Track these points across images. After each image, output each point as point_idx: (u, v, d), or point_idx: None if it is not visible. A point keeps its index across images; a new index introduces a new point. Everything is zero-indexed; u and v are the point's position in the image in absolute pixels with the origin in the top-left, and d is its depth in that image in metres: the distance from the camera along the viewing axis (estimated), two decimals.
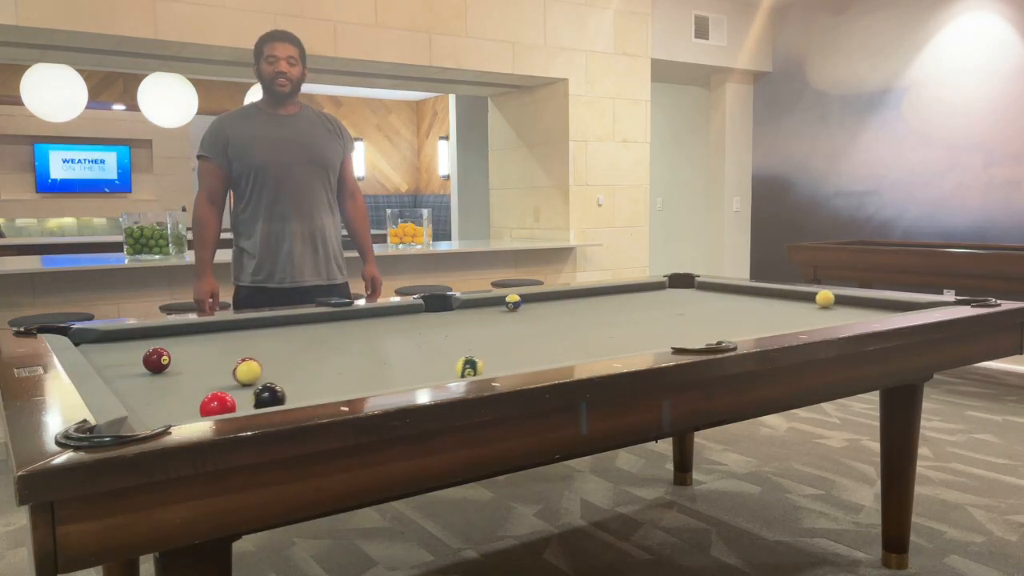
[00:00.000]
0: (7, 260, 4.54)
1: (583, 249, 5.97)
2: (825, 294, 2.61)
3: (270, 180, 2.94)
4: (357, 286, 3.30)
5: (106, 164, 10.82)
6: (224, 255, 3.24)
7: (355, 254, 3.33)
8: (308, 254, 3.01)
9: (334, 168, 3.08)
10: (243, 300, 3.01)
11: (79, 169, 10.72)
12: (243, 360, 1.64)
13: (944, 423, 4.01)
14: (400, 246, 5.27)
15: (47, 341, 1.92)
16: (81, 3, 4.02)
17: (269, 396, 1.35)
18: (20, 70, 5.41)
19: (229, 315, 2.45)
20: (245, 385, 1.60)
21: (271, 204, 2.95)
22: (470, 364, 1.57)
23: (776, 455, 3.55)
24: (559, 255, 5.89)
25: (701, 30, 6.68)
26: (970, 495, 3.04)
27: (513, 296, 2.67)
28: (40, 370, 1.58)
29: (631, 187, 6.15)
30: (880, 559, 2.50)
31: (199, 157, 3.00)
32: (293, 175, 2.97)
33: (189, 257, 4.49)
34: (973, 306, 2.34)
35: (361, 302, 2.69)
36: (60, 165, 10.61)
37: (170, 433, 1.11)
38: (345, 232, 3.26)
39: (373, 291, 3.25)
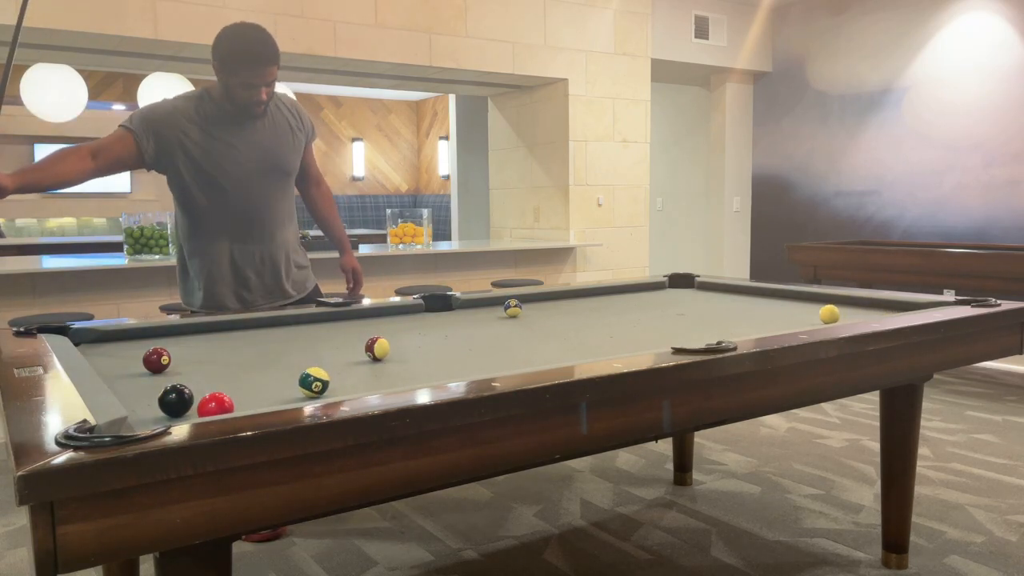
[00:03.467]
0: (7, 260, 4.54)
1: (583, 249, 5.97)
2: (831, 311, 2.25)
3: (231, 196, 2.54)
4: (334, 285, 3.15)
5: None
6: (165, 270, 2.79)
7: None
8: (267, 277, 2.67)
9: (296, 169, 2.72)
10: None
11: None
12: (376, 339, 1.82)
13: (944, 423, 4.01)
14: (400, 246, 5.27)
15: (47, 341, 1.92)
16: (81, 3, 4.02)
17: (176, 397, 1.34)
18: (20, 70, 5.41)
19: (229, 315, 2.45)
20: (378, 360, 1.82)
21: (228, 225, 2.57)
22: (308, 382, 1.44)
23: (776, 455, 3.55)
24: (559, 255, 5.89)
25: (701, 30, 6.68)
26: (970, 495, 3.04)
27: (515, 310, 2.53)
28: (40, 370, 1.58)
29: (631, 187, 6.15)
30: (880, 559, 2.50)
31: (122, 126, 2.51)
32: (255, 190, 2.57)
33: None
34: (973, 306, 2.34)
35: (365, 302, 2.69)
36: None
37: (170, 433, 1.11)
38: (317, 229, 2.85)
39: (355, 284, 2.97)
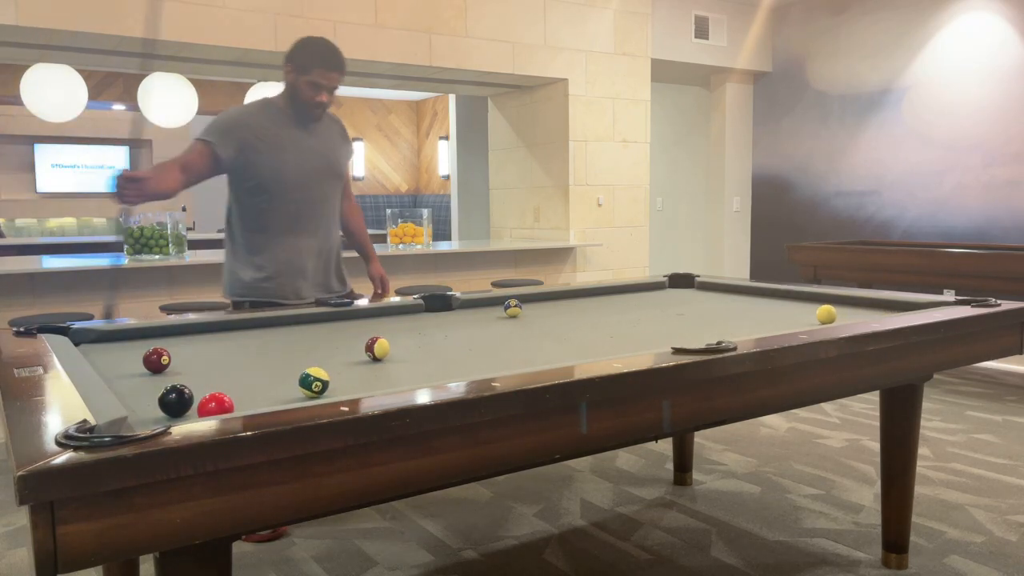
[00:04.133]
0: (7, 260, 4.54)
1: (583, 249, 5.97)
2: (828, 311, 2.27)
3: (294, 194, 2.73)
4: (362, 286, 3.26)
5: (107, 166, 10.82)
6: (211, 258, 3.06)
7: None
8: (320, 271, 2.86)
9: (344, 175, 2.94)
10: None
11: (80, 170, 10.72)
12: (376, 339, 1.82)
13: (944, 423, 4.01)
14: (400, 246, 5.27)
15: (47, 341, 1.92)
16: (81, 3, 4.02)
17: (176, 397, 1.35)
18: (20, 70, 5.41)
19: (229, 315, 2.45)
20: (377, 360, 1.82)
21: (293, 219, 2.75)
22: (308, 382, 1.44)
23: (776, 455, 3.55)
24: (559, 255, 5.89)
25: (701, 30, 6.68)
26: (970, 495, 3.04)
27: (514, 310, 2.54)
28: (40, 370, 1.58)
29: (631, 187, 6.16)
30: (880, 559, 2.50)
31: (199, 140, 2.66)
32: (316, 189, 2.79)
33: (189, 257, 4.50)
34: (973, 306, 2.34)
35: (363, 302, 2.69)
36: (60, 165, 10.61)
37: (170, 433, 1.11)
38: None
39: (383, 290, 3.15)
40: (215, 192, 12.48)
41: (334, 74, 2.73)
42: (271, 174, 2.69)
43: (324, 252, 2.86)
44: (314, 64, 2.69)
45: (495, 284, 4.85)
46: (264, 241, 2.76)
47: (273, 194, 2.71)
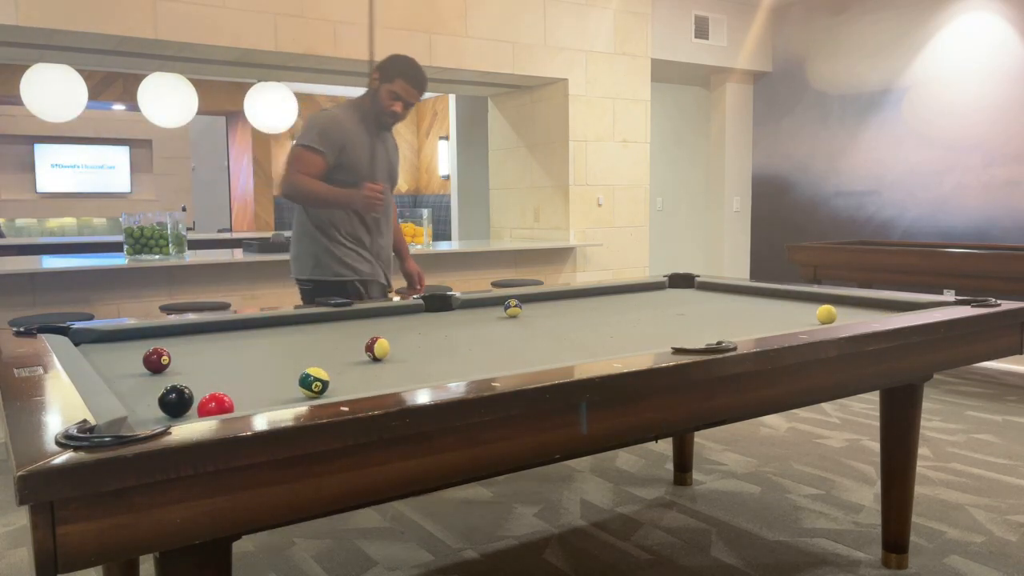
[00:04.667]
0: (7, 260, 4.54)
1: (583, 249, 5.97)
2: (828, 311, 2.26)
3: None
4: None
5: (108, 167, 10.82)
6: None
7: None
8: (383, 265, 3.16)
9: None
10: (317, 293, 3.02)
11: (80, 170, 10.72)
12: (376, 339, 1.83)
13: (944, 423, 4.01)
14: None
15: (47, 341, 1.92)
16: (81, 3, 4.02)
17: (176, 397, 1.35)
18: (20, 70, 5.40)
19: (229, 315, 2.45)
20: (377, 360, 1.83)
21: (379, 220, 3.07)
22: (308, 382, 1.45)
23: (776, 455, 3.55)
24: (559, 255, 5.89)
25: (701, 30, 6.68)
26: (970, 495, 3.04)
27: (515, 310, 2.54)
28: (40, 370, 1.58)
29: (631, 187, 6.16)
30: (880, 559, 2.50)
31: (306, 147, 2.87)
32: (389, 191, 3.11)
33: (189, 257, 4.50)
34: (973, 306, 2.34)
35: (363, 302, 2.69)
36: (60, 166, 10.61)
37: (170, 433, 1.11)
38: None
39: (420, 285, 3.30)
40: (215, 192, 12.43)
41: (414, 90, 3.01)
42: (355, 175, 2.95)
43: (386, 248, 3.18)
44: (399, 75, 2.98)
45: (495, 284, 4.85)
46: (341, 232, 3.02)
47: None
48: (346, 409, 1.23)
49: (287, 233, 5.35)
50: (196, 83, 5.92)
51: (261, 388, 1.62)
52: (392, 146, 3.17)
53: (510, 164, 6.36)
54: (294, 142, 2.98)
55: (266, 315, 2.44)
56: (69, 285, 4.21)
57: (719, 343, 1.71)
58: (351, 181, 2.93)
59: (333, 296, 2.82)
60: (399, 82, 2.98)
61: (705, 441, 3.74)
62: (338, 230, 3.02)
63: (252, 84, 6.00)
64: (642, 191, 6.23)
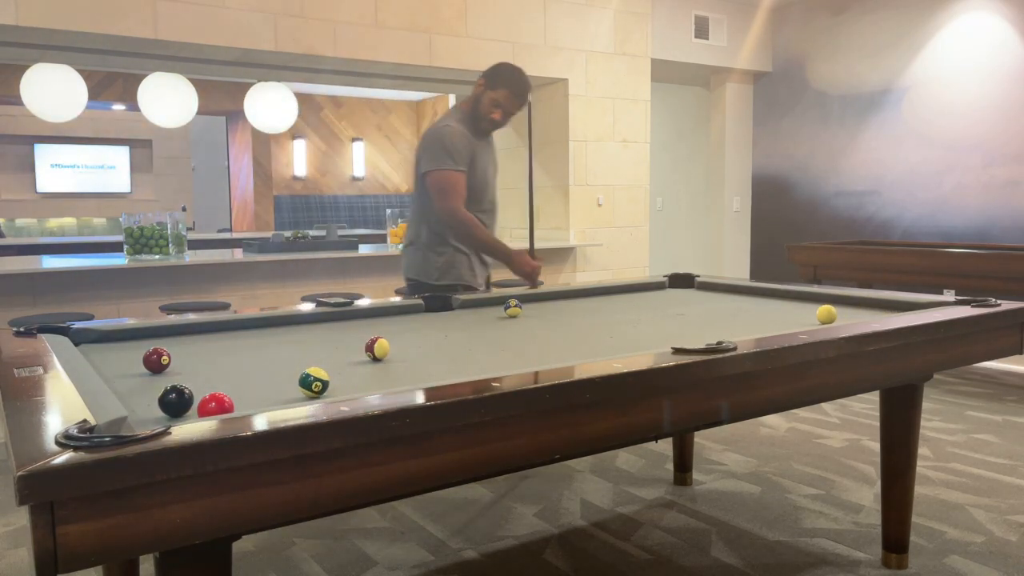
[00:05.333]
0: (7, 260, 4.54)
1: (583, 249, 5.97)
2: (828, 311, 2.26)
3: (489, 200, 3.18)
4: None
5: (108, 167, 10.82)
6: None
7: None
8: (488, 268, 3.26)
9: None
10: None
11: (80, 170, 10.72)
12: (376, 339, 1.83)
13: (944, 423, 4.01)
14: (400, 246, 5.26)
15: (47, 341, 1.92)
16: (81, 3, 4.02)
17: (176, 397, 1.35)
18: (20, 70, 5.40)
19: (229, 315, 2.45)
20: (377, 360, 1.83)
21: (488, 222, 3.16)
22: (308, 382, 1.45)
23: (776, 455, 3.55)
24: (559, 255, 5.89)
25: (701, 30, 6.68)
26: (970, 495, 3.04)
27: (514, 310, 2.54)
28: (40, 370, 1.58)
29: (631, 187, 6.15)
30: (880, 559, 2.50)
31: (453, 170, 2.98)
32: (495, 194, 3.26)
33: (189, 257, 4.50)
34: (973, 306, 2.34)
35: (363, 302, 2.69)
36: (60, 165, 10.61)
37: (170, 433, 1.11)
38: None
39: (532, 282, 3.29)
40: (215, 192, 12.43)
41: (516, 100, 3.10)
42: (479, 183, 3.10)
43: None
44: (504, 85, 3.06)
45: (495, 284, 4.85)
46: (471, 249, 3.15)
47: (478, 199, 3.10)
48: (346, 409, 1.23)
49: (287, 233, 5.36)
50: (196, 83, 5.93)
51: (261, 388, 1.62)
52: (494, 149, 3.30)
53: (510, 164, 6.35)
54: (433, 168, 3.00)
55: (266, 315, 2.44)
56: (69, 285, 4.21)
57: (719, 343, 1.71)
58: (478, 187, 3.09)
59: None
60: (503, 92, 3.06)
61: (705, 441, 3.74)
62: (442, 234, 3.14)
63: (252, 84, 6.00)
64: (642, 191, 6.23)
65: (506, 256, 3.08)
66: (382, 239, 6.95)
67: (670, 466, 3.37)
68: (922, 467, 3.32)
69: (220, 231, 9.31)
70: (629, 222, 6.17)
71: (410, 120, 10.89)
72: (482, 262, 3.20)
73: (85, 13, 4.03)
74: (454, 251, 3.10)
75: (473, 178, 3.06)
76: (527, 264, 3.06)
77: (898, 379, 2.22)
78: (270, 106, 5.90)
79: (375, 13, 4.85)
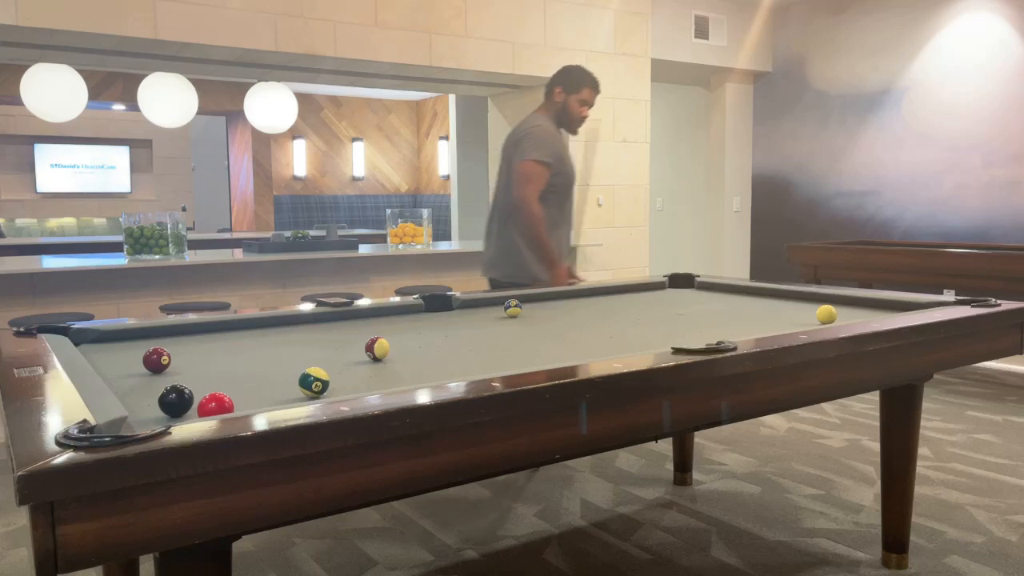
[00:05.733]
0: (7, 260, 4.54)
1: (583, 249, 5.97)
2: (828, 311, 2.26)
3: (569, 196, 3.43)
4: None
5: (108, 167, 10.82)
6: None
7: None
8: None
9: None
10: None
11: (80, 171, 10.72)
12: (376, 339, 1.83)
13: (944, 423, 4.01)
14: (400, 246, 5.27)
15: (47, 341, 1.92)
16: (81, 3, 4.02)
17: (176, 397, 1.35)
18: (20, 70, 5.40)
19: (229, 315, 2.45)
20: (377, 360, 1.83)
21: (568, 215, 3.44)
22: (308, 382, 1.46)
23: (776, 455, 3.55)
24: None
25: (701, 30, 6.68)
26: (970, 495, 3.04)
27: (514, 310, 2.54)
28: (40, 370, 1.58)
29: (631, 187, 6.15)
30: (880, 559, 2.50)
31: (539, 162, 3.20)
32: (574, 192, 3.52)
33: (189, 257, 4.50)
34: (973, 306, 2.34)
35: (363, 302, 2.69)
36: (60, 165, 10.61)
37: (170, 433, 1.11)
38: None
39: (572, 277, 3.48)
40: (215, 192, 12.41)
41: (596, 93, 3.39)
42: (566, 180, 3.34)
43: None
44: (584, 84, 3.34)
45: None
46: (553, 235, 3.32)
47: (563, 196, 3.36)
48: (346, 409, 1.23)
49: (287, 233, 5.36)
50: (196, 83, 5.92)
51: (261, 388, 1.62)
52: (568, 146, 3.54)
53: None
54: (524, 157, 3.21)
55: (266, 315, 2.44)
56: (69, 285, 4.21)
57: (719, 343, 1.71)
58: (565, 183, 3.34)
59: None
60: (587, 90, 3.34)
61: (705, 441, 3.74)
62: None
63: (252, 84, 6.00)
64: (642, 191, 6.23)
65: (550, 264, 3.25)
66: (382, 239, 6.95)
67: (670, 466, 3.37)
68: (922, 467, 3.32)
69: (220, 231, 9.31)
70: (629, 222, 6.17)
71: (410, 120, 10.89)
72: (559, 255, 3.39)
73: (85, 13, 4.03)
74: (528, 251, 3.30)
75: (562, 175, 3.30)
76: (563, 280, 3.26)
77: (898, 379, 2.22)
78: (270, 106, 5.90)
79: (375, 13, 4.85)
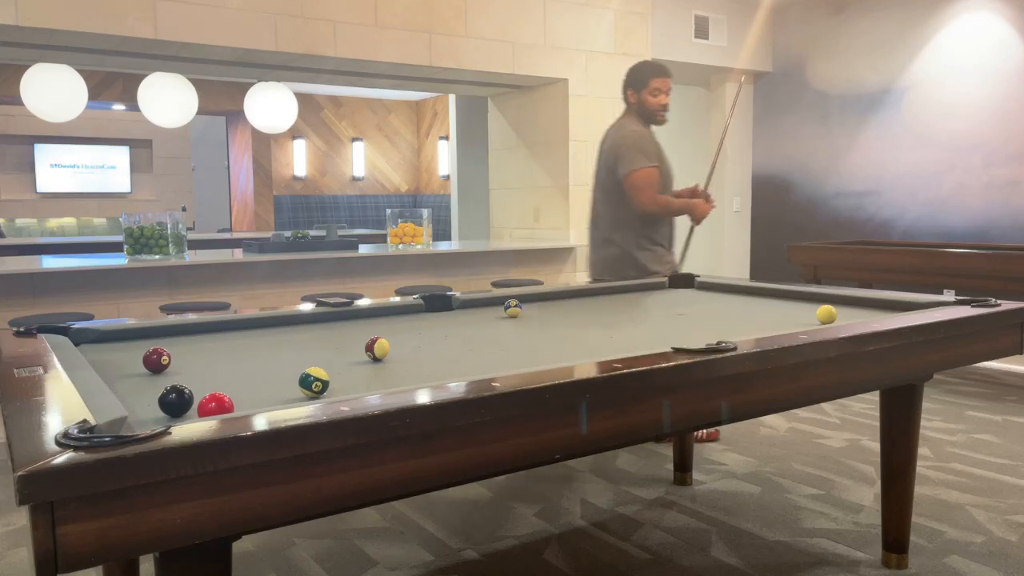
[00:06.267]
0: (7, 260, 4.54)
1: (583, 249, 5.96)
2: (828, 311, 2.27)
3: (670, 187, 3.61)
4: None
5: (108, 167, 10.82)
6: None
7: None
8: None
9: None
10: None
11: (80, 171, 10.72)
12: (376, 339, 1.84)
13: (944, 423, 4.01)
14: (400, 246, 5.27)
15: (47, 341, 1.92)
16: (81, 3, 4.02)
17: (176, 397, 1.35)
18: (20, 70, 5.40)
19: (229, 315, 2.45)
20: (377, 360, 1.84)
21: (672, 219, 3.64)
22: (308, 382, 1.46)
23: (776, 455, 3.55)
24: (559, 255, 5.89)
25: (701, 30, 6.68)
26: (970, 495, 3.04)
27: (514, 310, 2.54)
28: (40, 370, 1.58)
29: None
30: (880, 559, 2.50)
31: (650, 167, 3.45)
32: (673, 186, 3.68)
33: (189, 257, 4.50)
34: (973, 306, 2.34)
35: (363, 302, 2.69)
36: (60, 165, 10.61)
37: (170, 433, 1.11)
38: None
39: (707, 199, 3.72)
40: (215, 192, 12.40)
41: (665, 79, 3.53)
42: (668, 173, 3.58)
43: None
44: (647, 77, 3.51)
45: (495, 284, 4.85)
46: (662, 234, 3.60)
47: (669, 187, 3.60)
48: (346, 409, 1.23)
49: (287, 233, 5.36)
50: (196, 83, 5.93)
51: (261, 388, 1.62)
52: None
53: (510, 164, 6.36)
54: (630, 169, 3.46)
55: (266, 315, 2.44)
56: (69, 285, 4.21)
57: (719, 343, 1.71)
58: (669, 176, 3.58)
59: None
60: (652, 82, 3.50)
61: (705, 441, 3.74)
62: (637, 230, 3.58)
63: (252, 84, 6.00)
64: None
65: (691, 210, 3.60)
66: (382, 239, 6.95)
67: (670, 466, 3.37)
68: (922, 467, 3.32)
69: (220, 231, 9.31)
70: None
71: (410, 120, 10.89)
72: (670, 250, 3.66)
73: (85, 13, 4.03)
74: (652, 245, 3.57)
75: (663, 170, 3.52)
76: (704, 211, 3.62)
77: (898, 379, 2.22)
78: (270, 106, 5.90)
79: (375, 13, 4.85)
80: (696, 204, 3.60)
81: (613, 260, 3.60)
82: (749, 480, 3.24)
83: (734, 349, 1.69)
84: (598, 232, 3.69)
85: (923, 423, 3.84)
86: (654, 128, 3.67)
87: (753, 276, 7.49)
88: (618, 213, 3.58)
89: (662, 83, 3.52)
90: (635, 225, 3.56)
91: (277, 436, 1.14)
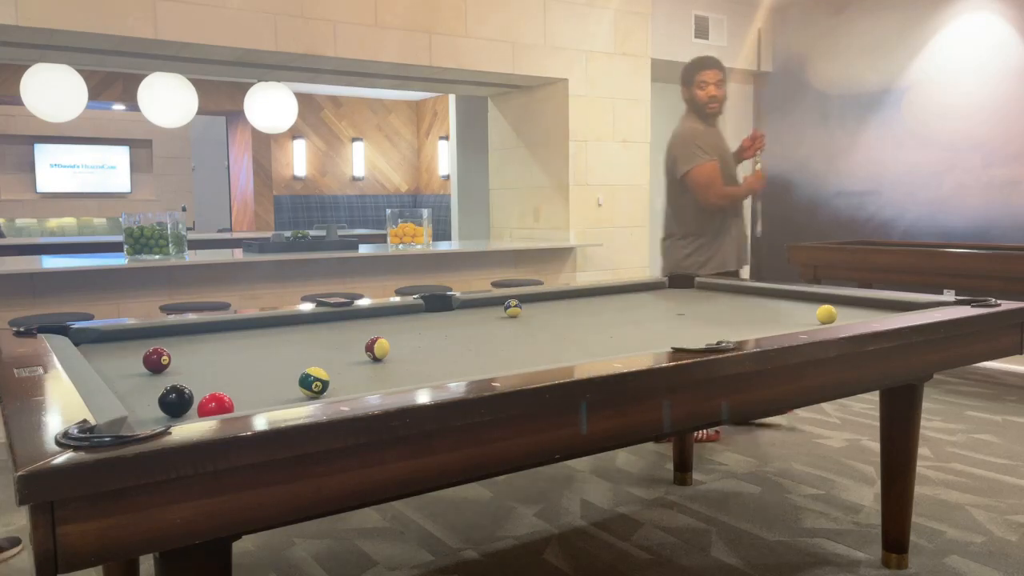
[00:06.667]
0: (7, 260, 4.54)
1: (583, 249, 5.97)
2: (828, 311, 2.27)
3: (733, 176, 3.66)
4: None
5: (108, 167, 10.82)
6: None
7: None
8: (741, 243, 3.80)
9: None
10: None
11: (80, 171, 10.72)
12: (376, 339, 1.84)
13: (944, 423, 4.01)
14: (400, 246, 5.27)
15: (47, 341, 1.92)
16: (81, 3, 4.02)
17: (176, 397, 1.35)
18: (20, 70, 5.40)
19: (229, 315, 2.45)
20: (377, 360, 1.84)
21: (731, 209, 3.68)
22: (308, 382, 1.46)
23: (776, 455, 3.55)
24: (559, 255, 5.89)
25: (701, 30, 6.68)
26: (970, 495, 3.04)
27: (514, 310, 2.55)
28: (40, 370, 1.58)
29: (631, 187, 6.15)
30: (880, 559, 2.49)
31: (701, 164, 3.51)
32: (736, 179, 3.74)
33: (189, 257, 4.50)
34: (973, 306, 2.34)
35: (363, 302, 2.69)
36: (60, 165, 10.61)
37: (170, 433, 1.11)
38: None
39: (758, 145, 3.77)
40: (215, 192, 12.40)
41: (713, 71, 3.56)
42: (728, 163, 3.60)
43: (742, 229, 3.81)
44: (693, 71, 3.57)
45: (495, 284, 4.85)
46: (719, 227, 3.65)
47: (730, 178, 3.63)
48: (346, 409, 1.23)
49: (287, 233, 5.36)
50: (196, 83, 5.92)
51: (261, 388, 1.62)
52: (723, 136, 3.74)
53: (510, 164, 6.36)
54: (688, 168, 3.56)
55: (266, 315, 2.44)
56: (69, 285, 4.20)
57: (719, 343, 1.71)
58: (729, 167, 3.63)
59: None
60: (698, 77, 3.55)
61: (705, 441, 3.74)
62: (691, 226, 3.70)
63: (252, 84, 6.00)
64: (642, 191, 6.23)
65: (751, 191, 3.72)
66: (382, 239, 6.95)
67: (670, 466, 3.37)
68: (922, 467, 3.32)
69: (220, 231, 9.31)
70: (629, 222, 6.17)
71: (410, 120, 10.89)
72: (738, 244, 3.73)
73: (85, 13, 4.03)
74: (712, 240, 3.64)
75: (722, 161, 3.56)
76: (761, 186, 3.73)
77: (898, 379, 2.22)
78: (270, 106, 5.90)
79: (375, 13, 4.85)
80: (753, 184, 3.70)
81: (683, 257, 3.77)
82: (749, 480, 3.24)
83: (734, 349, 1.69)
84: (667, 230, 3.89)
85: (923, 423, 3.84)
86: (718, 121, 3.75)
87: (753, 276, 7.49)
88: (679, 211, 3.74)
89: (708, 75, 3.56)
90: (693, 219, 3.69)
91: (277, 436, 1.15)
